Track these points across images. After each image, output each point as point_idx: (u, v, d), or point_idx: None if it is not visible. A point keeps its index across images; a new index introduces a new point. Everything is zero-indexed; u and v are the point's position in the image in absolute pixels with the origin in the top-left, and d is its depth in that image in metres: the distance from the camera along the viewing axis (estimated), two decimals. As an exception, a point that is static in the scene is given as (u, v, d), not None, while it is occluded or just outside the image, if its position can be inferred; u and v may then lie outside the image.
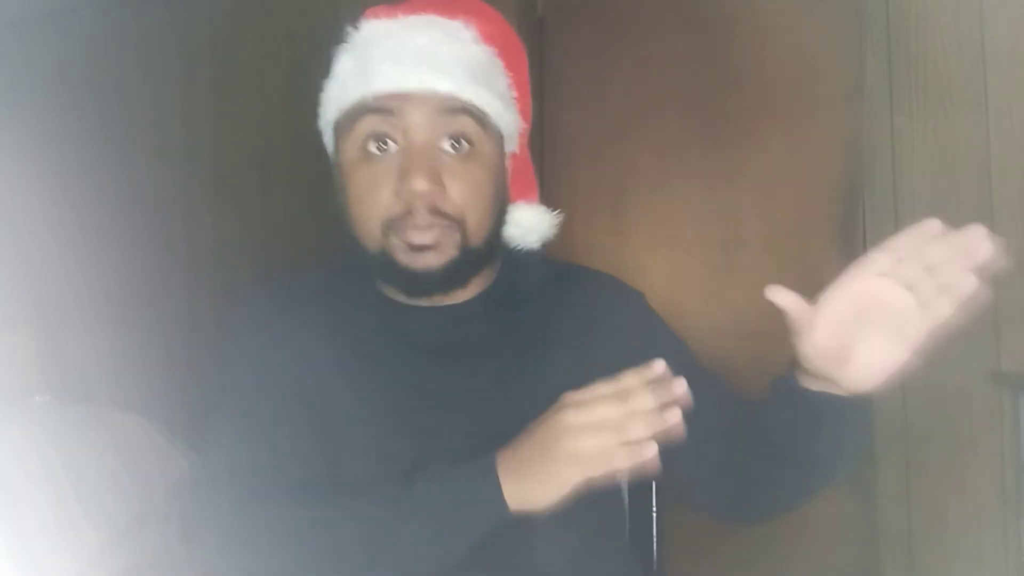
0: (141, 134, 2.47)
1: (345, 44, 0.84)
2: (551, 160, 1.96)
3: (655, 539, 1.00)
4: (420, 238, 0.78)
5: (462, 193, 0.79)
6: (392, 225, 0.79)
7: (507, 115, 0.84)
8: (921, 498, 1.78)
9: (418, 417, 0.81)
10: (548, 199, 0.94)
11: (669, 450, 0.69)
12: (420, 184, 0.76)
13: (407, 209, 0.78)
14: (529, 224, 0.89)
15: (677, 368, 0.74)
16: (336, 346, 0.84)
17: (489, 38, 0.83)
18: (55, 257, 2.51)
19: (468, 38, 0.81)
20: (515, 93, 0.86)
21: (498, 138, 0.84)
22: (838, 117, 1.83)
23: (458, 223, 0.79)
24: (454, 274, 0.81)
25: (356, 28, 0.84)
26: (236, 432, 0.83)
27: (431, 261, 0.79)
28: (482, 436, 0.78)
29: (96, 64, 2.53)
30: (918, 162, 1.80)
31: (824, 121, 1.84)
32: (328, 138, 0.87)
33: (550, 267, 0.93)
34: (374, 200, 0.79)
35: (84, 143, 2.51)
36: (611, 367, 0.81)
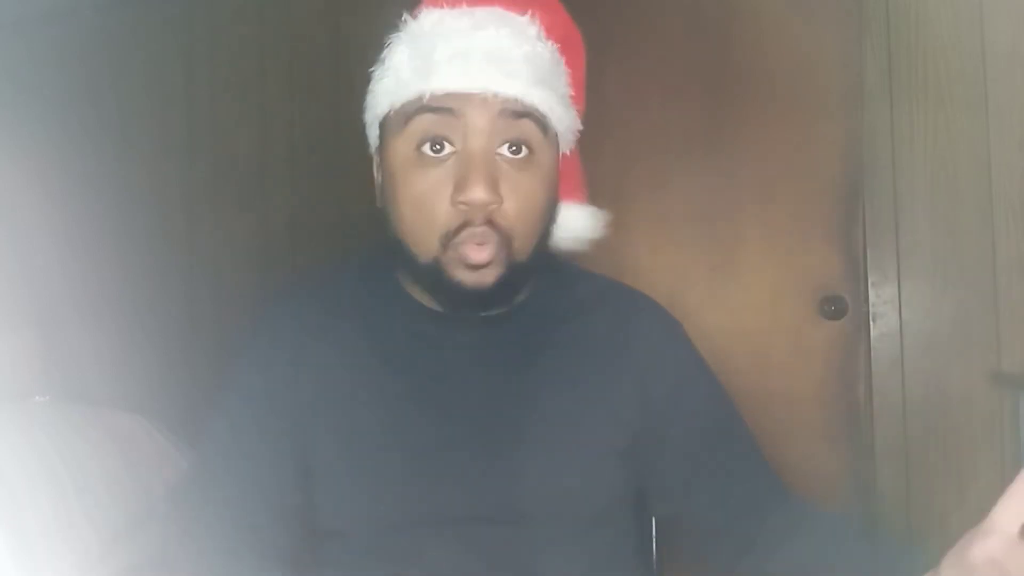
0: (141, 134, 2.47)
1: (400, 34, 0.79)
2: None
3: (655, 539, 1.00)
4: (478, 256, 0.74)
5: (516, 206, 0.75)
6: (449, 238, 0.74)
7: (566, 117, 0.81)
8: (921, 498, 1.78)
9: (441, 428, 0.80)
10: (583, 177, 0.92)
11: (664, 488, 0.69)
12: (480, 194, 0.72)
13: (464, 222, 0.73)
14: (575, 225, 0.87)
15: (706, 410, 0.74)
16: (361, 355, 0.82)
17: (552, 32, 0.80)
18: (55, 257, 2.51)
19: (533, 35, 0.77)
20: (572, 91, 0.83)
21: (555, 141, 0.81)
22: (838, 117, 1.83)
23: (508, 239, 0.75)
24: (502, 291, 0.77)
25: (414, 17, 0.78)
26: (221, 456, 0.83)
27: (484, 279, 0.75)
28: (504, 451, 0.79)
29: (96, 64, 2.52)
30: (918, 162, 1.80)
31: (824, 121, 1.84)
32: (373, 132, 0.83)
33: (588, 283, 0.90)
34: (431, 211, 0.74)
35: (84, 143, 2.51)
36: (640, 396, 0.82)
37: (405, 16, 0.79)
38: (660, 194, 1.96)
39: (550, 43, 0.79)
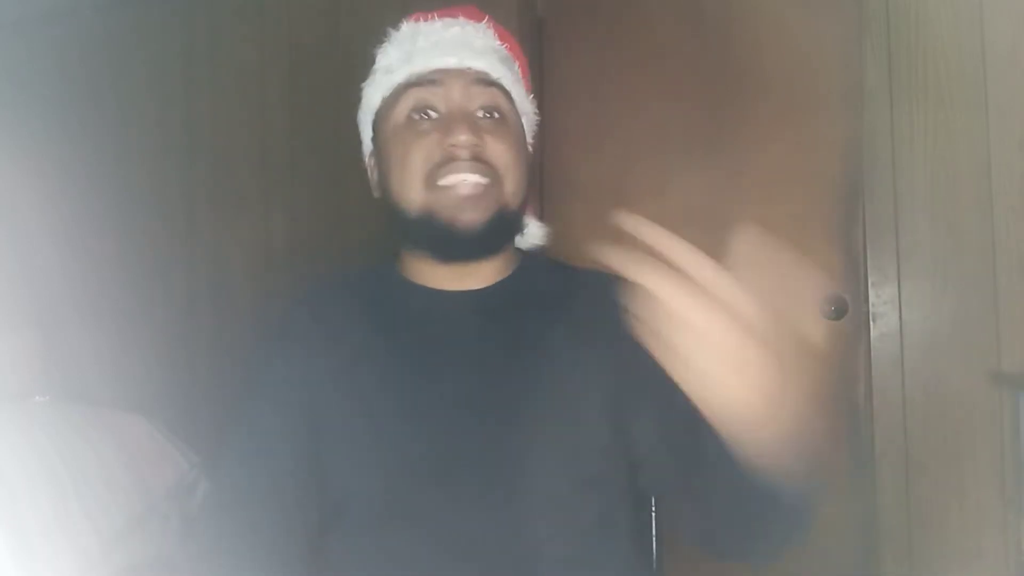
0: (141, 134, 2.47)
1: (387, 43, 0.95)
2: (551, 160, 1.96)
3: (655, 539, 1.01)
4: (466, 188, 0.84)
5: (500, 149, 0.87)
6: (436, 175, 0.85)
7: (524, 100, 0.95)
8: (921, 498, 1.78)
9: (438, 392, 0.86)
10: (548, 199, 0.98)
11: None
12: (463, 135, 0.84)
13: (450, 157, 0.85)
14: (528, 234, 0.98)
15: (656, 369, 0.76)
16: (365, 332, 0.90)
17: (504, 41, 0.95)
18: (55, 257, 2.51)
19: (491, 35, 0.94)
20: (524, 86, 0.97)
21: (519, 121, 0.94)
22: (838, 117, 1.83)
23: (498, 177, 0.86)
24: (490, 236, 0.87)
25: (396, 29, 0.95)
26: (242, 453, 0.88)
27: (473, 217, 0.85)
28: (497, 409, 0.84)
29: (96, 64, 2.53)
30: (918, 162, 1.80)
31: (824, 121, 1.84)
32: (366, 129, 0.96)
33: (565, 266, 0.99)
34: (418, 152, 0.86)
35: (84, 143, 2.51)
36: (614, 353, 0.85)
37: (389, 30, 0.95)
38: (660, 194, 1.96)
39: (504, 47, 0.95)
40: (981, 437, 1.74)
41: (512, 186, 0.88)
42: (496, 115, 0.89)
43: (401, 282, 0.94)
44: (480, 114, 0.89)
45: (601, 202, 2.10)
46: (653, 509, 1.03)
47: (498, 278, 0.93)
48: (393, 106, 0.90)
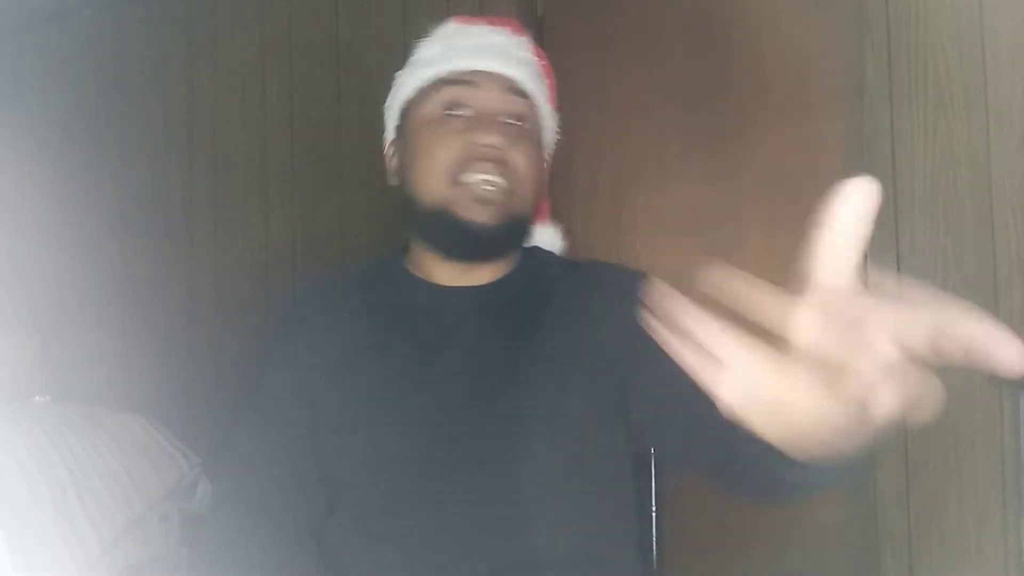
0: (141, 134, 2.47)
1: (430, 37, 0.98)
2: (551, 160, 1.96)
3: (655, 539, 1.00)
4: (486, 188, 0.87)
5: (522, 157, 0.90)
6: (460, 170, 0.87)
7: (549, 116, 0.99)
8: (921, 498, 1.78)
9: (438, 385, 0.87)
10: (548, 199, 0.98)
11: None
12: (492, 138, 0.87)
13: (475, 155, 0.87)
14: (542, 241, 1.01)
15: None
16: (366, 324, 0.93)
17: (540, 58, 1.00)
18: (56, 258, 2.51)
19: (529, 49, 0.98)
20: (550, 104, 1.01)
21: (542, 130, 0.98)
22: (838, 117, 1.83)
23: (516, 183, 0.89)
24: (501, 238, 0.90)
25: (440, 26, 0.98)
26: (251, 446, 0.90)
27: (486, 218, 0.87)
28: (497, 403, 0.84)
29: (96, 64, 2.53)
30: (918, 162, 1.80)
31: (824, 121, 1.84)
32: (393, 116, 0.99)
33: (564, 261, 1.02)
34: (444, 147, 0.88)
35: (84, 143, 2.51)
36: (614, 343, 0.87)
37: (433, 24, 0.98)
38: (660, 194, 1.96)
39: (538, 61, 0.99)
40: (981, 437, 1.73)
41: (526, 194, 0.91)
42: (522, 124, 0.92)
43: (404, 276, 0.96)
44: (508, 120, 0.91)
45: (601, 202, 2.11)
46: (653, 509, 1.03)
47: (501, 274, 0.95)
48: (427, 99, 0.92)
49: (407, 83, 0.96)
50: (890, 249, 1.82)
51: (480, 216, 0.87)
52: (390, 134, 0.99)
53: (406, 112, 0.96)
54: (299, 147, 2.31)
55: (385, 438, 0.86)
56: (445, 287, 0.94)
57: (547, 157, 1.01)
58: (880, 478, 1.80)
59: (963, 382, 1.75)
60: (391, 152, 0.98)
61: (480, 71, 0.91)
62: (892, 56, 1.83)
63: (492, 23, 0.98)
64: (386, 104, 1.00)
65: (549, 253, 1.03)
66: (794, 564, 1.77)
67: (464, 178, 0.87)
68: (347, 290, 0.98)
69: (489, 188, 0.87)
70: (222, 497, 0.92)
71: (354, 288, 0.98)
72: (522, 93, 0.93)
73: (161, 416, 1.88)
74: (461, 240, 0.89)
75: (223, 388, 2.25)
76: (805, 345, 0.42)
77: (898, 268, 1.82)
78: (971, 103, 1.77)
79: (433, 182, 0.88)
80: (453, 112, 0.91)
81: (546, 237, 1.03)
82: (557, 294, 0.94)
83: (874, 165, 1.83)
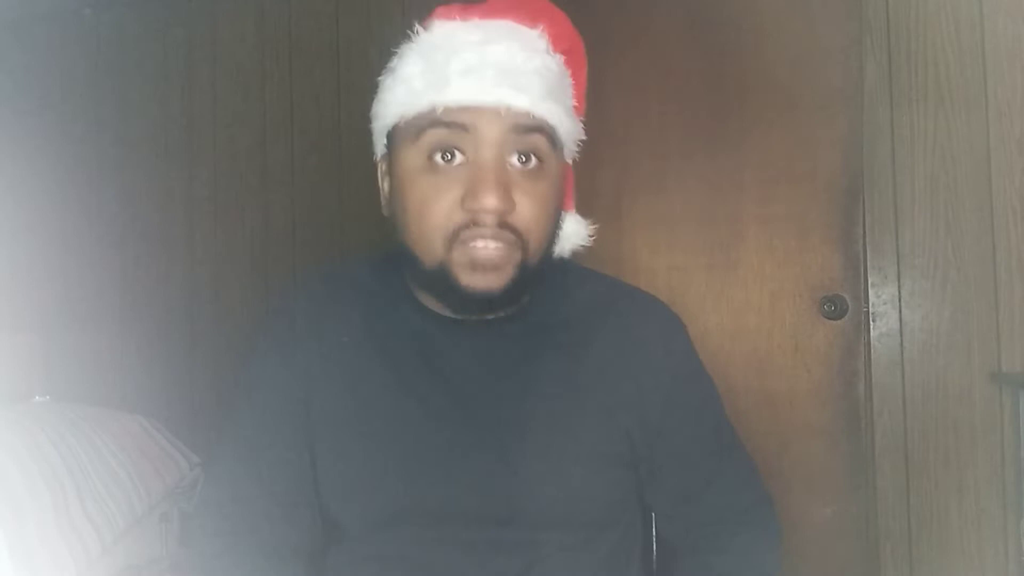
0: (141, 135, 2.47)
1: (412, 44, 0.78)
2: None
3: (655, 539, 1.00)
4: (486, 253, 0.74)
5: (530, 211, 0.75)
6: (456, 236, 0.74)
7: (572, 129, 0.82)
8: (921, 498, 1.78)
9: (442, 428, 0.80)
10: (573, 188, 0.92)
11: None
12: (492, 201, 0.72)
13: (472, 221, 0.74)
14: (566, 233, 0.87)
15: (696, 418, 0.77)
16: (365, 355, 0.83)
17: (558, 43, 0.81)
18: (56, 258, 2.51)
19: (543, 48, 0.78)
20: (574, 102, 0.84)
21: (562, 152, 0.81)
22: (838, 117, 1.83)
23: (523, 241, 0.75)
24: (510, 295, 0.77)
25: (425, 28, 0.78)
26: (237, 456, 0.84)
27: (492, 282, 0.75)
28: (506, 452, 0.79)
29: (96, 64, 2.53)
30: (918, 162, 1.80)
31: (824, 121, 1.84)
32: (380, 140, 0.83)
33: (591, 285, 0.90)
34: (439, 210, 0.74)
35: (84, 143, 2.51)
36: (637, 399, 0.83)
37: (417, 27, 0.78)
38: (660, 194, 1.96)
39: (557, 55, 0.80)
40: (981, 437, 1.74)
41: (537, 244, 0.77)
42: (534, 159, 0.76)
43: (407, 300, 0.85)
44: (515, 159, 0.75)
45: (601, 202, 2.11)
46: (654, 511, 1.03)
47: (516, 307, 0.83)
48: (415, 137, 0.75)
49: (388, 103, 0.78)
50: (890, 249, 1.82)
51: (482, 283, 0.75)
52: (379, 150, 0.84)
53: (392, 138, 0.80)
54: (299, 147, 2.31)
55: (386, 483, 0.80)
56: (455, 320, 0.82)
57: (570, 161, 0.87)
58: (880, 478, 1.80)
59: (963, 382, 1.76)
60: (383, 169, 0.84)
61: (475, 108, 0.73)
62: (892, 56, 1.83)
63: (493, 13, 0.78)
64: (372, 112, 0.82)
65: (575, 271, 0.90)
66: (794, 564, 1.77)
67: (463, 239, 0.74)
68: (343, 311, 0.86)
69: (491, 255, 0.74)
70: (209, 514, 0.86)
71: (351, 309, 0.86)
72: (532, 127, 0.75)
73: (161, 416, 1.88)
74: (465, 303, 0.77)
75: (223, 388, 2.25)
76: None
77: (898, 268, 1.82)
78: (971, 103, 1.77)
79: (426, 247, 0.76)
80: (441, 159, 0.75)
81: (570, 227, 0.87)
82: (582, 332, 0.85)
83: (874, 165, 1.83)
